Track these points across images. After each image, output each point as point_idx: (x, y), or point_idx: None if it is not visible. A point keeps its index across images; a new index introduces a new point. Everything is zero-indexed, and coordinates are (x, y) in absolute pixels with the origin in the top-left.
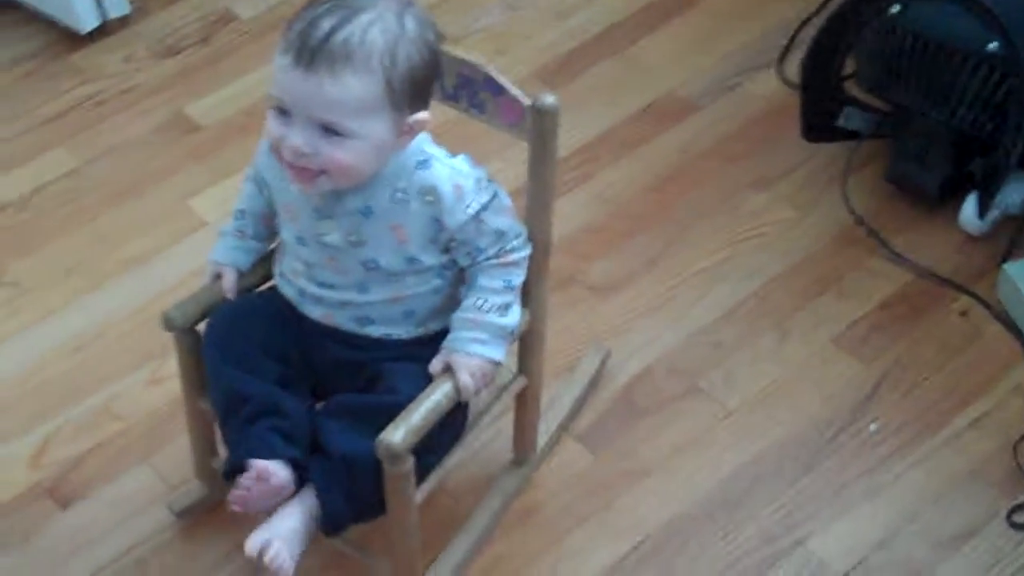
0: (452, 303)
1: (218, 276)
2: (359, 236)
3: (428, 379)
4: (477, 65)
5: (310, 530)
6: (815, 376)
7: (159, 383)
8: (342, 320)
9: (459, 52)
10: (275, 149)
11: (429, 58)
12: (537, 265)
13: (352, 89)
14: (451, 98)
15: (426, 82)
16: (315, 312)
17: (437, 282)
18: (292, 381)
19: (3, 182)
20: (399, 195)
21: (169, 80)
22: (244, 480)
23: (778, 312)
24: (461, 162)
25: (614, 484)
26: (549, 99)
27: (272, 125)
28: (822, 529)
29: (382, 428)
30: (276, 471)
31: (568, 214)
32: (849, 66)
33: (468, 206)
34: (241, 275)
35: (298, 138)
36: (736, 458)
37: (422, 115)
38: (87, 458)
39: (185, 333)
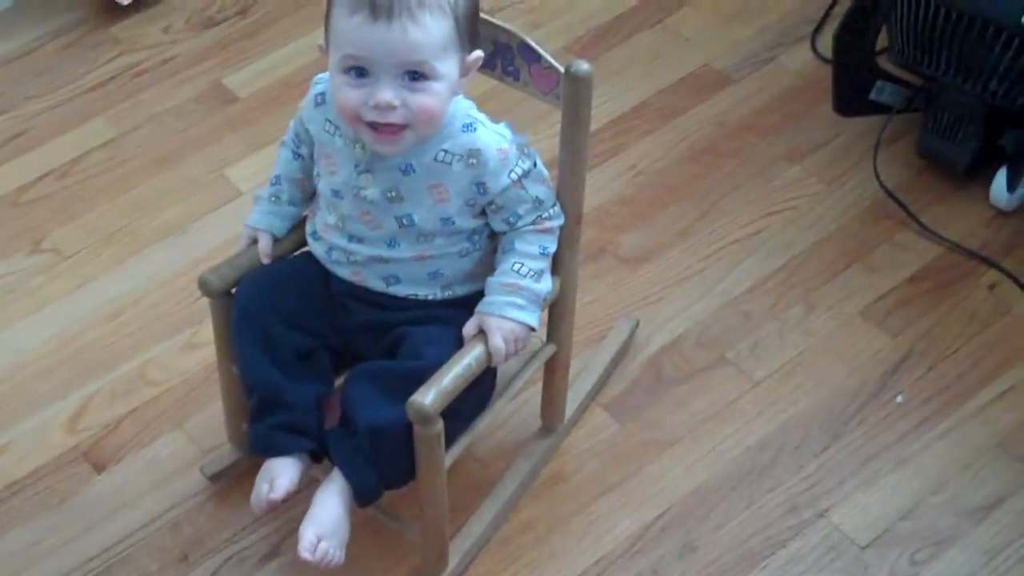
0: (478, 269)
1: (254, 241)
2: (398, 192)
3: (452, 343)
4: (513, 32)
5: (350, 509)
6: (842, 348)
7: (194, 349)
8: (369, 278)
9: (495, 19)
10: (352, 116)
11: None
12: (569, 234)
13: (433, 30)
14: (486, 66)
15: (477, 19)
16: (344, 271)
17: (465, 245)
18: (314, 351)
19: (44, 151)
20: (443, 155)
21: (207, 51)
22: (257, 505)
23: (807, 284)
24: (504, 128)
25: (641, 453)
26: (584, 66)
27: (349, 92)
28: (846, 500)
29: (407, 394)
30: (280, 490)
31: (600, 185)
32: (882, 40)
33: (511, 171)
34: (276, 240)
35: (388, 92)
36: (762, 429)
37: (478, 53)
38: (123, 422)
39: (221, 297)
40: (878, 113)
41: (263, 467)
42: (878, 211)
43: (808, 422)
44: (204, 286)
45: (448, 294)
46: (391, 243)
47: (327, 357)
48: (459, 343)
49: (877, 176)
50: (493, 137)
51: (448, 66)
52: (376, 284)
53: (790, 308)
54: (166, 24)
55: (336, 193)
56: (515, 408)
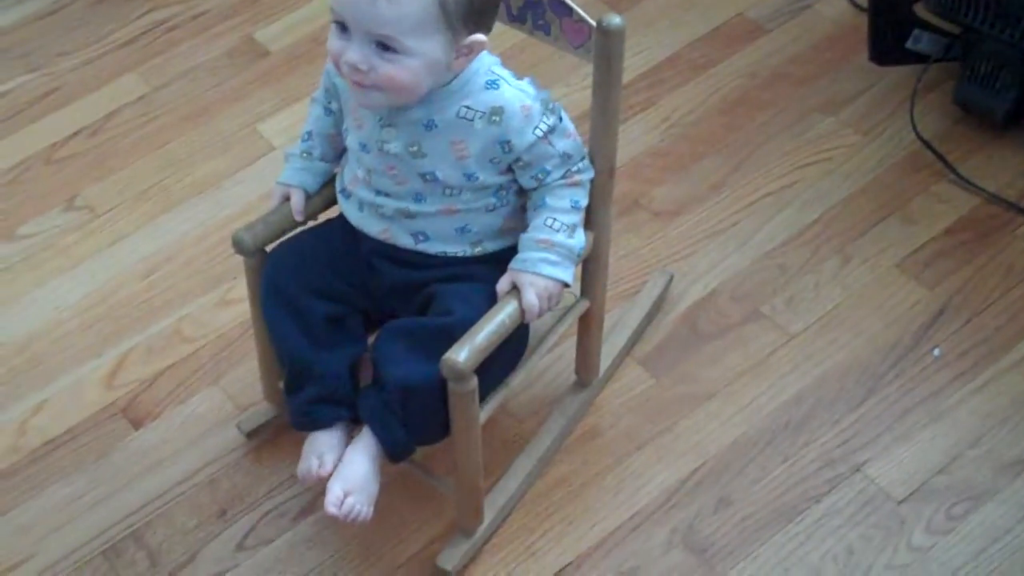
0: (507, 225)
1: (286, 198)
2: (420, 147)
3: (483, 300)
4: None
5: (379, 465)
6: (878, 301)
7: (229, 305)
8: (398, 235)
9: None
10: (335, 63)
11: None
12: (601, 188)
13: (406, 8)
14: (516, 20)
15: (484, 4)
16: (373, 228)
17: (492, 200)
18: (346, 316)
19: (76, 107)
20: (465, 111)
21: (238, 6)
22: (306, 479)
23: (842, 237)
24: (527, 85)
25: (676, 408)
26: (615, 20)
27: (332, 40)
28: (883, 454)
29: (438, 351)
30: (329, 464)
31: (633, 138)
32: None
33: (536, 127)
34: (308, 196)
35: (355, 54)
36: (797, 383)
37: (478, 36)
38: (159, 379)
39: (254, 255)
40: (915, 62)
41: (308, 440)
42: (915, 162)
43: (844, 376)
44: (238, 244)
45: (479, 251)
46: (417, 198)
47: (359, 320)
48: (490, 300)
49: (914, 126)
50: (516, 94)
51: (424, 45)
52: (405, 241)
53: (825, 261)
54: None
55: (363, 147)
56: (549, 363)
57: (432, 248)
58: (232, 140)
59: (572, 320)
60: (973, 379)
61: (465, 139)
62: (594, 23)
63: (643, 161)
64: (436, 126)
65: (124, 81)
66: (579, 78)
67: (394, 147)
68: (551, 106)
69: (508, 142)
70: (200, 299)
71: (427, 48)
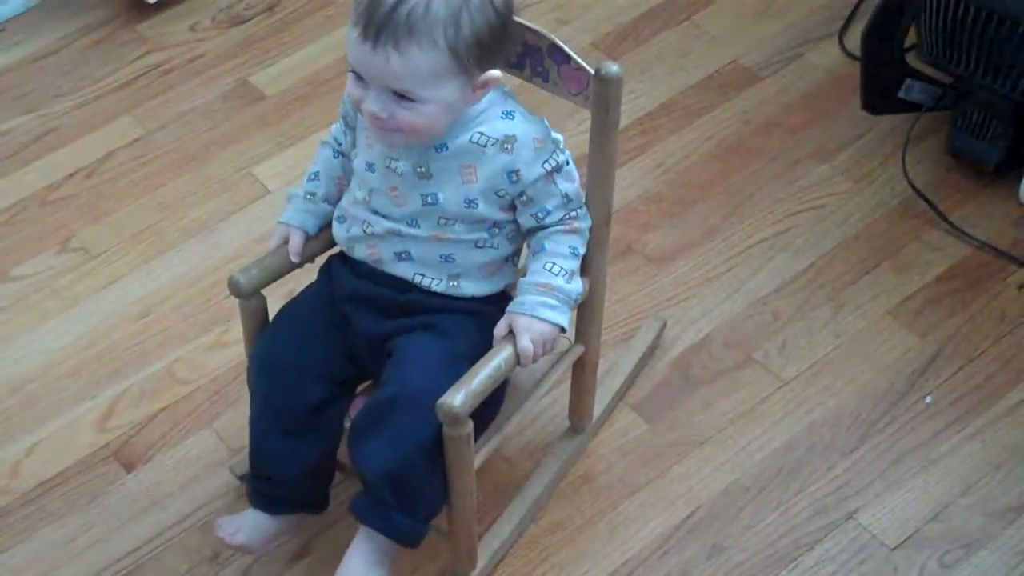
0: (489, 268)
1: (286, 239)
2: (427, 168)
3: (440, 362)
4: (542, 33)
5: (385, 554)
6: (870, 348)
7: (222, 348)
8: (384, 252)
9: (523, 20)
10: (356, 107)
11: (496, 20)
12: (598, 233)
13: (418, 62)
14: (515, 66)
15: (495, 43)
16: (362, 251)
17: (483, 235)
18: (328, 402)
19: (72, 149)
20: (478, 137)
21: (234, 49)
22: (216, 533)
23: (835, 284)
24: (542, 122)
25: (669, 453)
26: (613, 68)
27: (350, 86)
28: (875, 501)
29: (401, 426)
30: (236, 541)
31: (628, 183)
32: (911, 37)
33: (545, 161)
34: (308, 238)
35: (373, 104)
36: (790, 429)
37: (493, 73)
38: (152, 422)
39: (249, 299)
40: (907, 111)
41: (246, 513)
42: (906, 210)
43: (836, 423)
44: (234, 287)
45: (453, 286)
46: (411, 221)
47: (340, 405)
48: (447, 361)
49: (906, 174)
50: (530, 127)
51: (440, 91)
52: (387, 257)
53: (818, 308)
54: (193, 22)
55: (369, 166)
56: (543, 408)
57: (410, 270)
58: (227, 183)
59: (567, 365)
60: (965, 426)
61: (475, 164)
62: (592, 71)
63: (637, 206)
64: (447, 148)
65: (120, 124)
66: (575, 123)
67: (402, 166)
68: (561, 146)
69: (517, 171)
70: (194, 342)
71: (443, 94)
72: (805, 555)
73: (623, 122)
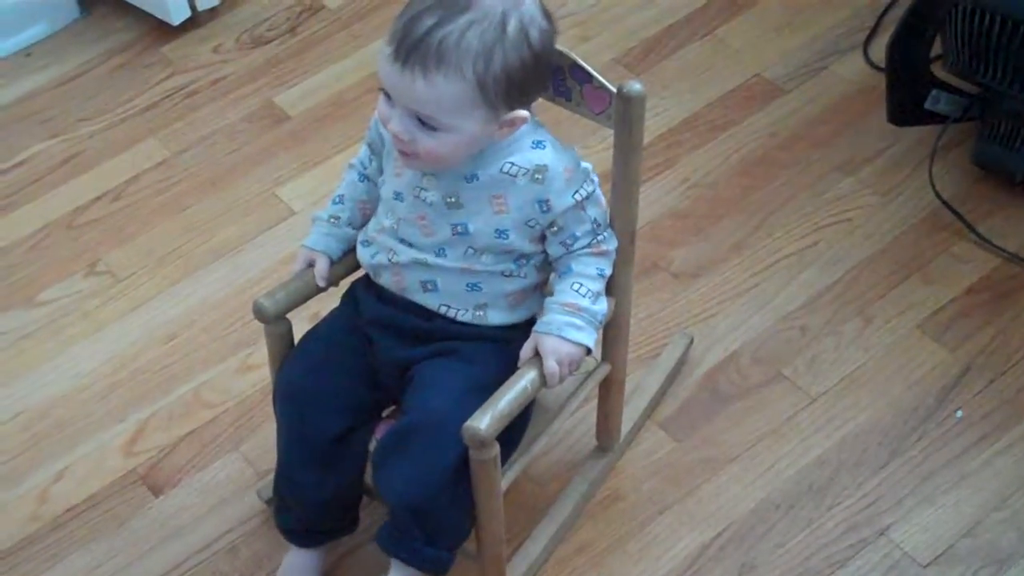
0: (516, 297)
1: (310, 263)
2: (458, 199)
3: (463, 391)
4: (564, 53)
5: None
6: (900, 363)
7: (249, 371)
8: (409, 282)
9: None
10: (384, 125)
11: (530, 59)
12: (623, 252)
13: (443, 90)
14: None
15: (526, 81)
16: (387, 278)
17: (511, 266)
18: (352, 431)
19: (97, 173)
20: (509, 167)
21: (258, 70)
22: None
23: (863, 298)
24: (572, 152)
25: (697, 471)
26: (636, 86)
27: (380, 105)
28: (906, 518)
29: (424, 453)
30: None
31: (652, 199)
32: (936, 48)
33: (576, 192)
34: (332, 263)
35: (397, 125)
36: (820, 446)
37: (520, 113)
38: (179, 445)
39: (275, 323)
40: (933, 123)
41: (287, 557)
42: (934, 222)
43: (867, 438)
44: (259, 312)
45: (479, 315)
46: (439, 251)
47: (365, 432)
48: (468, 385)
49: (933, 186)
50: (561, 157)
51: (463, 122)
52: (413, 287)
53: (846, 322)
54: (216, 44)
55: (398, 195)
56: (570, 427)
57: (436, 300)
58: (252, 205)
59: (593, 384)
60: (997, 440)
61: (505, 194)
62: (615, 89)
63: (662, 223)
64: (478, 179)
65: (145, 146)
66: (598, 140)
67: (431, 196)
68: (589, 176)
69: (547, 201)
70: (220, 365)
71: (466, 125)
72: (837, 572)
73: (646, 138)
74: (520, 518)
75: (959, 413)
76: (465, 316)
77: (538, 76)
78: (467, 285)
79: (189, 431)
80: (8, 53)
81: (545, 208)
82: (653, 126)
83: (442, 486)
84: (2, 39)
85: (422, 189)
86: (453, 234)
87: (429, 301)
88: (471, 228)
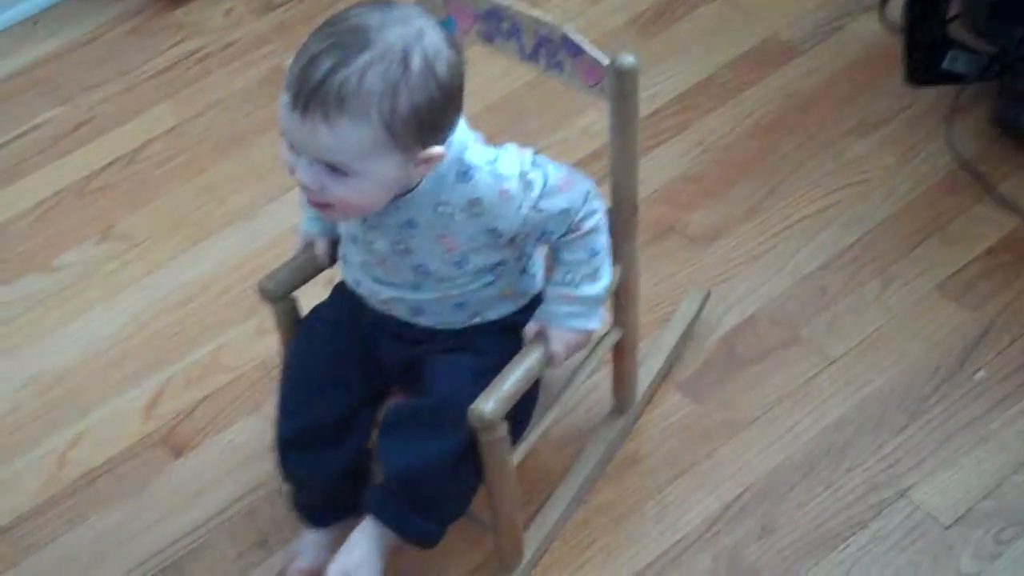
0: (506, 292)
1: (309, 243)
2: (406, 245)
3: (469, 372)
4: (554, 25)
5: (385, 550)
6: (920, 324)
7: (266, 334)
8: (397, 311)
9: (535, 12)
10: (290, 174)
11: (438, 95)
12: (625, 223)
13: (348, 135)
14: (530, 58)
15: (436, 118)
16: (375, 305)
17: (488, 277)
18: (355, 411)
19: (111, 138)
20: (442, 208)
21: (269, 34)
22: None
23: (882, 260)
24: (504, 160)
25: (716, 433)
26: (628, 59)
27: (284, 153)
28: (927, 479)
29: (430, 432)
30: (298, 570)
31: (667, 163)
32: (954, 7)
33: (519, 207)
34: (333, 242)
35: (305, 175)
36: (839, 407)
37: (436, 150)
38: (198, 408)
39: (281, 301)
40: (951, 83)
41: (301, 536)
42: (953, 183)
43: (886, 400)
44: (263, 292)
45: (476, 320)
46: (414, 287)
47: (369, 412)
48: (478, 372)
49: (951, 147)
50: (490, 181)
51: (375, 166)
52: (402, 314)
53: (865, 284)
54: (228, 8)
55: (353, 238)
56: (587, 390)
57: (427, 321)
58: (265, 169)
59: (605, 350)
60: (1018, 401)
61: (448, 232)
62: (606, 62)
63: (677, 186)
64: (417, 225)
65: (156, 112)
66: (597, 111)
67: (380, 246)
68: (529, 177)
69: (495, 229)
70: (237, 327)
71: (378, 169)
72: (858, 534)
73: (660, 101)
74: (538, 481)
75: (980, 374)
76: (461, 325)
77: (449, 110)
78: (453, 305)
79: (207, 394)
80: (15, 21)
81: (497, 234)
82: (666, 89)
83: (442, 467)
84: (9, 7)
85: (368, 242)
86: (416, 275)
87: (421, 322)
88: (431, 267)
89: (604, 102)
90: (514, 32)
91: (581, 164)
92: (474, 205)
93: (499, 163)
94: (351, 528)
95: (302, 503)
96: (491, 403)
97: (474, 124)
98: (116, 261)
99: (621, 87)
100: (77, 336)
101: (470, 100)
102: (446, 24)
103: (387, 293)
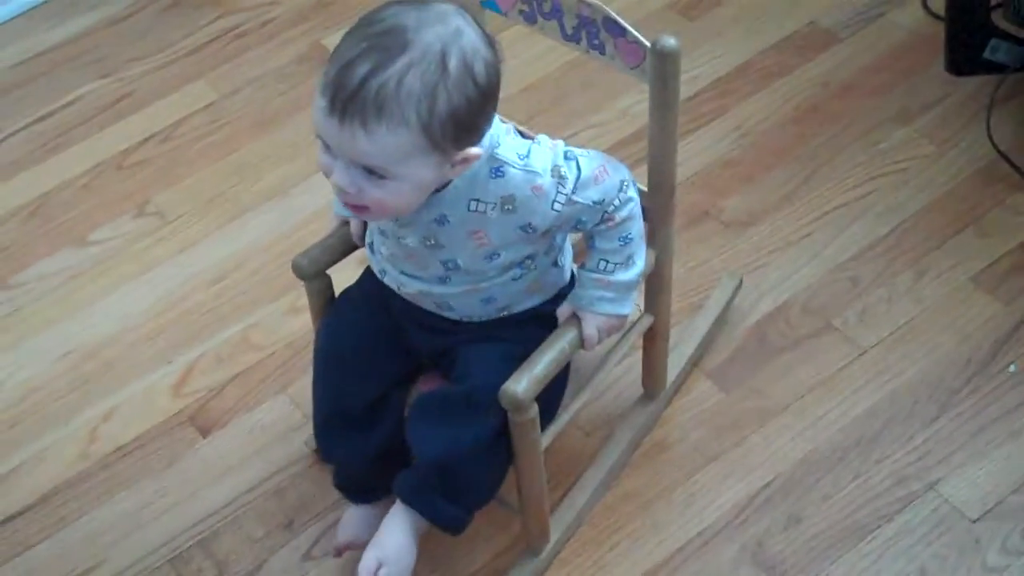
0: (534, 286)
1: (343, 222)
2: (437, 240)
3: (502, 361)
4: (596, 6)
5: (417, 534)
6: (953, 315)
7: (297, 313)
8: (425, 303)
9: None
10: (325, 176)
11: (476, 96)
12: (662, 207)
13: (386, 141)
14: (571, 39)
15: (474, 120)
16: (403, 297)
17: (517, 271)
18: (386, 396)
19: (147, 115)
20: (475, 204)
21: (306, 11)
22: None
23: (916, 250)
24: (536, 155)
25: (745, 422)
26: (670, 41)
27: (319, 155)
28: (956, 472)
29: (461, 419)
30: (338, 544)
31: (704, 147)
32: None
33: (553, 202)
34: (365, 222)
35: (342, 178)
36: (869, 398)
37: (473, 151)
38: (227, 387)
39: (314, 279)
40: (992, 72)
41: (345, 512)
42: (990, 174)
43: (917, 391)
44: (297, 269)
45: (504, 314)
46: (442, 280)
47: (401, 394)
48: (510, 361)
49: (990, 137)
50: (523, 176)
51: (412, 169)
52: (429, 306)
53: (899, 274)
54: None
55: (382, 232)
56: (617, 376)
57: (455, 315)
58: (300, 147)
59: (636, 335)
60: None
61: (482, 228)
62: (648, 44)
63: (714, 171)
64: (449, 221)
65: (194, 88)
66: (638, 92)
67: (411, 241)
68: (562, 172)
69: (529, 224)
70: (269, 307)
71: (415, 172)
72: (884, 526)
73: (699, 85)
74: (565, 466)
75: (1013, 367)
76: (490, 318)
77: (487, 110)
78: (481, 300)
79: (237, 373)
80: None
81: (531, 229)
82: (705, 73)
83: (474, 453)
84: None
85: (400, 238)
86: (446, 269)
87: (449, 316)
88: (460, 262)
89: (644, 84)
90: (555, 13)
91: (619, 145)
92: (507, 202)
93: (531, 158)
94: (392, 503)
95: (341, 482)
96: (523, 384)
97: (513, 105)
98: (150, 237)
99: (662, 69)
100: (111, 311)
101: (508, 81)
102: (489, 4)
103: (414, 287)
